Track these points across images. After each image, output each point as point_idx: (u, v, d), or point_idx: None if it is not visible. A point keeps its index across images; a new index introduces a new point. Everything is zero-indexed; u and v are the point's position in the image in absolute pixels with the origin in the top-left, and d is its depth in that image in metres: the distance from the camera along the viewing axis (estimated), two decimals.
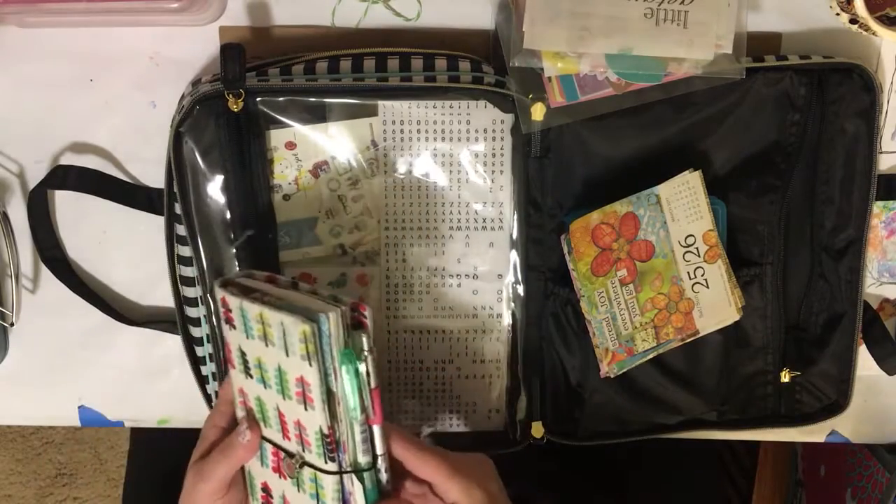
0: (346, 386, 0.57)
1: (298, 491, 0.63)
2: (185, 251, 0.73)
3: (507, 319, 0.77)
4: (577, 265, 0.72)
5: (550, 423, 0.79)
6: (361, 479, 0.60)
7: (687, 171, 0.72)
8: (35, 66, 0.75)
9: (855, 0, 0.69)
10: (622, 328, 0.73)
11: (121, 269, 0.80)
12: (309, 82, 0.69)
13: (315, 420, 0.58)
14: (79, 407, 0.83)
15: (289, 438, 0.61)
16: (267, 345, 0.58)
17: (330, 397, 0.58)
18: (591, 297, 0.72)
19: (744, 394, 0.80)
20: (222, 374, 0.75)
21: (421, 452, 0.62)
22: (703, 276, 0.73)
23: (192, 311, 0.75)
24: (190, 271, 0.73)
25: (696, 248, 0.73)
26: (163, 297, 0.80)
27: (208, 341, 0.75)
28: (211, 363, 0.76)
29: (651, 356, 0.75)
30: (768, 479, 1.24)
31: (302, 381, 0.57)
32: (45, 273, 0.79)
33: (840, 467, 1.06)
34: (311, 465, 0.60)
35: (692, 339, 0.75)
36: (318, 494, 0.61)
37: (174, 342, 0.79)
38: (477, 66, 0.71)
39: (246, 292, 0.60)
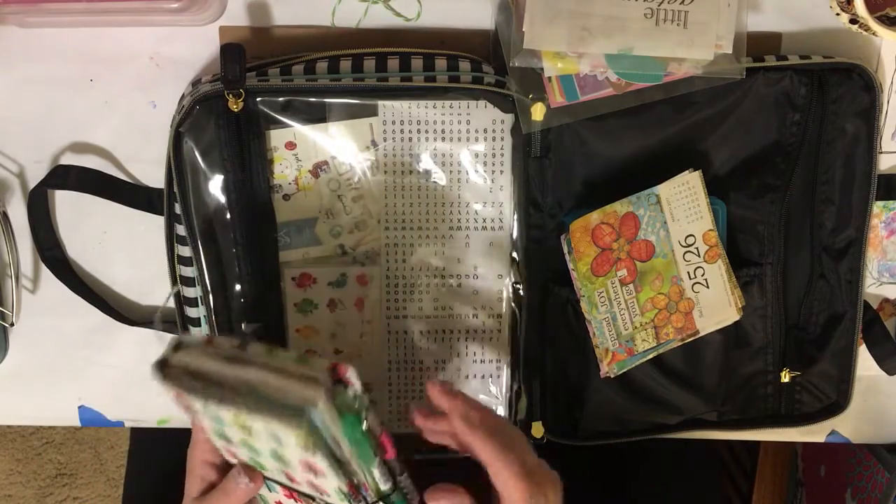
0: (357, 445, 0.56)
1: None
2: (185, 251, 0.73)
3: (507, 319, 0.77)
4: (577, 265, 0.72)
5: (550, 423, 0.79)
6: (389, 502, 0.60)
7: (687, 171, 0.72)
8: (35, 66, 0.75)
9: (855, 0, 0.69)
10: (622, 328, 0.73)
11: (121, 269, 0.80)
12: (309, 82, 0.69)
13: (331, 483, 0.57)
14: (79, 407, 0.83)
15: (299, 484, 0.60)
16: (251, 435, 0.55)
17: (340, 464, 0.56)
18: (591, 297, 0.72)
19: (744, 394, 0.80)
20: None
21: (472, 430, 0.61)
22: (703, 276, 0.73)
23: (192, 312, 0.75)
24: (190, 271, 0.73)
25: (696, 248, 0.73)
26: (163, 297, 0.80)
27: None
28: None
29: (651, 356, 0.75)
30: (768, 479, 1.24)
31: (307, 462, 0.55)
32: (45, 273, 0.79)
33: (840, 467, 1.06)
34: None
35: (692, 339, 0.75)
36: None
37: None
38: (477, 66, 0.71)
39: (195, 377, 0.55)
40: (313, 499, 0.61)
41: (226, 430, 0.57)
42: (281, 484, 0.62)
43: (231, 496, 0.62)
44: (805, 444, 1.20)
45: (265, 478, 0.62)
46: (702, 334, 0.75)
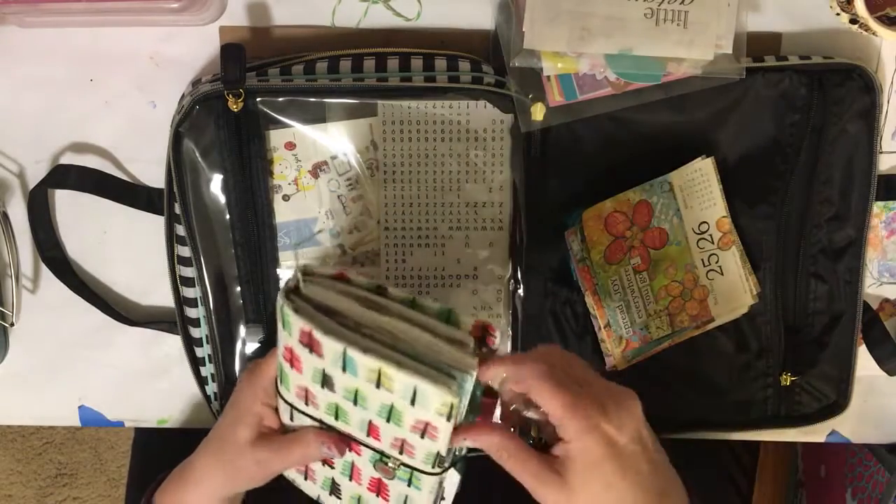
0: (470, 410, 0.53)
1: (375, 469, 0.59)
2: (185, 251, 0.73)
3: (506, 319, 0.77)
4: (590, 253, 0.72)
5: None
6: (460, 467, 0.57)
7: (699, 158, 0.72)
8: (35, 66, 0.75)
9: (855, 0, 0.69)
10: (636, 316, 0.73)
11: (121, 269, 0.80)
12: (309, 82, 0.69)
13: (432, 447, 0.54)
14: (79, 407, 0.83)
15: (379, 440, 0.56)
16: (378, 388, 0.52)
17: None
18: (604, 284, 0.72)
19: (744, 395, 0.80)
20: (221, 375, 0.75)
21: (542, 381, 0.52)
22: (717, 262, 0.73)
23: (191, 312, 0.75)
24: (190, 272, 0.73)
25: (710, 235, 0.73)
26: (163, 297, 0.80)
27: (207, 342, 0.75)
28: (210, 364, 0.76)
29: (666, 344, 0.75)
30: (768, 479, 1.24)
31: (426, 425, 0.52)
32: (45, 273, 0.79)
33: (840, 467, 1.06)
34: (413, 468, 0.56)
35: (707, 326, 0.75)
36: (410, 480, 0.57)
37: (174, 342, 0.79)
38: (477, 66, 0.71)
39: (327, 314, 0.52)
40: (384, 456, 0.57)
41: (341, 376, 0.52)
42: (349, 437, 0.58)
43: (297, 456, 0.59)
44: (805, 444, 1.20)
45: (324, 424, 0.58)
46: (717, 321, 0.75)
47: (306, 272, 0.54)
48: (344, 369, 0.52)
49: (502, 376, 0.54)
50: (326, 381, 0.55)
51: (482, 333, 0.54)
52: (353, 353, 0.50)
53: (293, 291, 0.54)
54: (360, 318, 0.52)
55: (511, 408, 0.56)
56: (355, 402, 0.55)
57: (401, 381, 0.50)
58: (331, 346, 0.51)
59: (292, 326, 0.52)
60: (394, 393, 0.52)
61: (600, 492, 0.53)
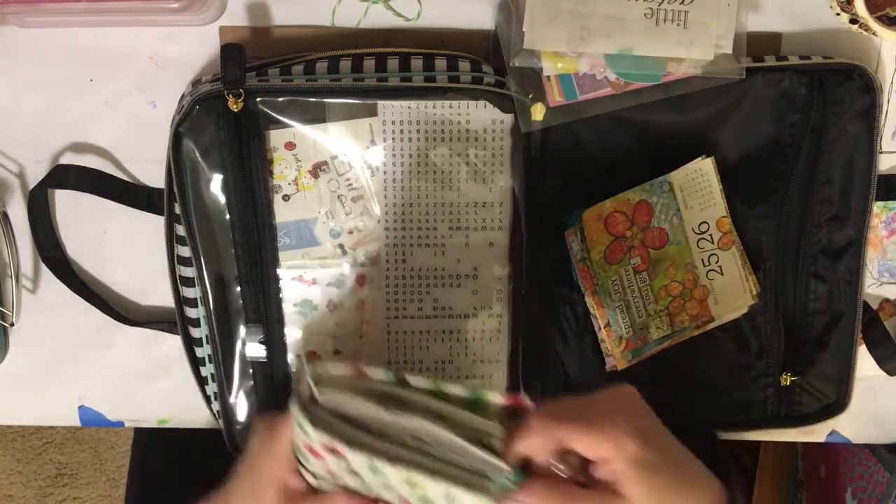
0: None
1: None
2: (185, 251, 0.73)
3: (506, 319, 0.77)
4: (590, 253, 0.72)
5: None
6: None
7: (699, 158, 0.72)
8: (35, 66, 0.75)
9: (855, 0, 0.69)
10: (636, 316, 0.73)
11: (121, 269, 0.80)
12: (309, 82, 0.69)
13: None
14: (79, 407, 0.83)
15: None
16: (411, 487, 0.50)
17: None
18: (604, 284, 0.73)
19: (744, 395, 0.80)
20: (221, 375, 0.75)
21: (553, 428, 0.53)
22: (717, 262, 0.74)
23: (191, 312, 0.75)
24: (190, 272, 0.73)
25: (710, 235, 0.73)
26: (163, 297, 0.80)
27: (207, 342, 0.75)
28: (210, 364, 0.76)
29: (666, 344, 0.75)
30: (768, 479, 1.25)
31: None
32: (45, 273, 0.79)
33: (840, 467, 1.06)
34: None
35: (707, 326, 0.75)
36: None
37: (174, 342, 0.79)
38: (477, 66, 0.71)
39: (346, 420, 0.50)
40: None
41: (368, 475, 0.51)
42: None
43: None
44: (805, 444, 1.20)
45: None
46: (717, 322, 0.75)
47: (318, 380, 0.52)
48: (373, 472, 0.51)
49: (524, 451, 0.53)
50: (354, 472, 0.53)
51: (514, 408, 0.52)
52: (381, 465, 0.49)
53: (310, 401, 0.52)
54: (385, 425, 0.51)
55: (550, 466, 0.54)
56: (387, 488, 0.53)
57: (435, 488, 0.49)
58: (357, 458, 0.50)
59: (312, 436, 0.51)
60: (427, 492, 0.51)
61: (656, 474, 0.53)
